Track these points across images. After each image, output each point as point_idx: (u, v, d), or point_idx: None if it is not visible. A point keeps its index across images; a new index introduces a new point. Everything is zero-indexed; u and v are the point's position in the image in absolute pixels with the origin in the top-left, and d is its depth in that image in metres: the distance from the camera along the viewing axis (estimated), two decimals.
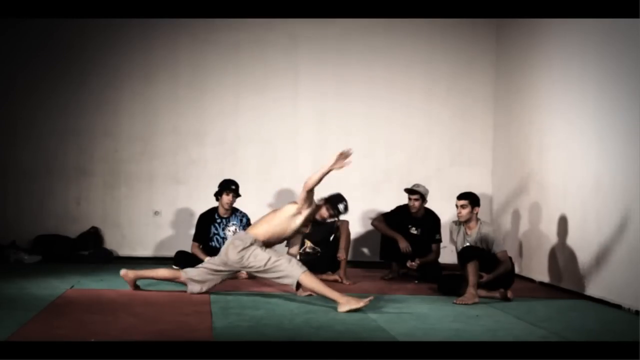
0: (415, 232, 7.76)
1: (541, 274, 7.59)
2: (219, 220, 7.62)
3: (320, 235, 7.49)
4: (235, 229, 7.53)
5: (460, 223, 6.74)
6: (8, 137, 8.73)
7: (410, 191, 7.72)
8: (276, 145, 8.97)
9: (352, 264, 8.15)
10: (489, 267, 6.43)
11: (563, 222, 7.17)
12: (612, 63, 6.43)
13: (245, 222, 7.61)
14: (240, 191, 7.65)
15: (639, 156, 5.92)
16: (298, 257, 7.63)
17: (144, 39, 8.88)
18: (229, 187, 7.54)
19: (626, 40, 6.21)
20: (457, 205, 6.68)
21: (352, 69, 9.03)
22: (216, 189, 7.65)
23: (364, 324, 5.15)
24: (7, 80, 8.74)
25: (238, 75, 8.94)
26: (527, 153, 8.10)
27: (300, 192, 6.05)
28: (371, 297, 5.71)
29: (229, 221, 7.61)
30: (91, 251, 8.53)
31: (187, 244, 7.82)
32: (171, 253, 7.83)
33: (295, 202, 6.09)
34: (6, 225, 8.58)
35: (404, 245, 7.53)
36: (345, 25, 8.88)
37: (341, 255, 7.32)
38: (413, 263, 7.42)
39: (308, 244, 7.56)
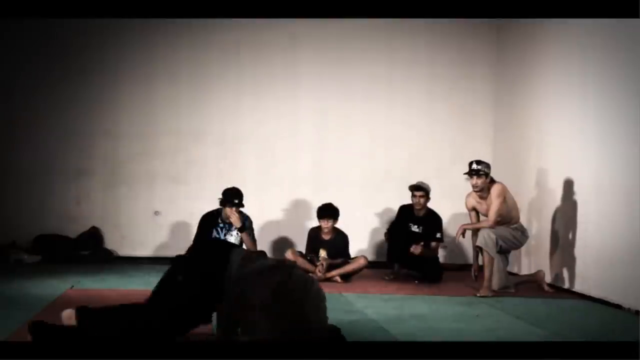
0: (416, 229, 7.80)
1: None
2: (221, 225, 7.39)
3: (334, 250, 7.65)
4: (237, 234, 7.37)
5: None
6: (8, 137, 8.72)
7: (415, 187, 7.79)
8: (276, 145, 8.96)
9: None
10: None
11: (563, 222, 7.16)
12: (613, 63, 6.43)
13: (248, 225, 7.39)
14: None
15: (639, 156, 5.92)
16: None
17: (144, 39, 8.88)
18: (231, 201, 7.27)
19: (626, 41, 6.21)
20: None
21: (352, 68, 9.02)
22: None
23: (364, 324, 5.15)
24: (7, 80, 8.73)
25: (238, 75, 8.93)
26: (527, 153, 8.10)
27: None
28: None
29: (232, 226, 7.34)
30: (91, 251, 8.52)
31: (186, 244, 7.77)
32: (171, 253, 7.74)
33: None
34: (6, 225, 8.56)
35: (412, 248, 7.65)
36: (345, 25, 8.87)
37: (332, 260, 7.51)
38: (417, 246, 7.57)
39: (322, 253, 7.60)
